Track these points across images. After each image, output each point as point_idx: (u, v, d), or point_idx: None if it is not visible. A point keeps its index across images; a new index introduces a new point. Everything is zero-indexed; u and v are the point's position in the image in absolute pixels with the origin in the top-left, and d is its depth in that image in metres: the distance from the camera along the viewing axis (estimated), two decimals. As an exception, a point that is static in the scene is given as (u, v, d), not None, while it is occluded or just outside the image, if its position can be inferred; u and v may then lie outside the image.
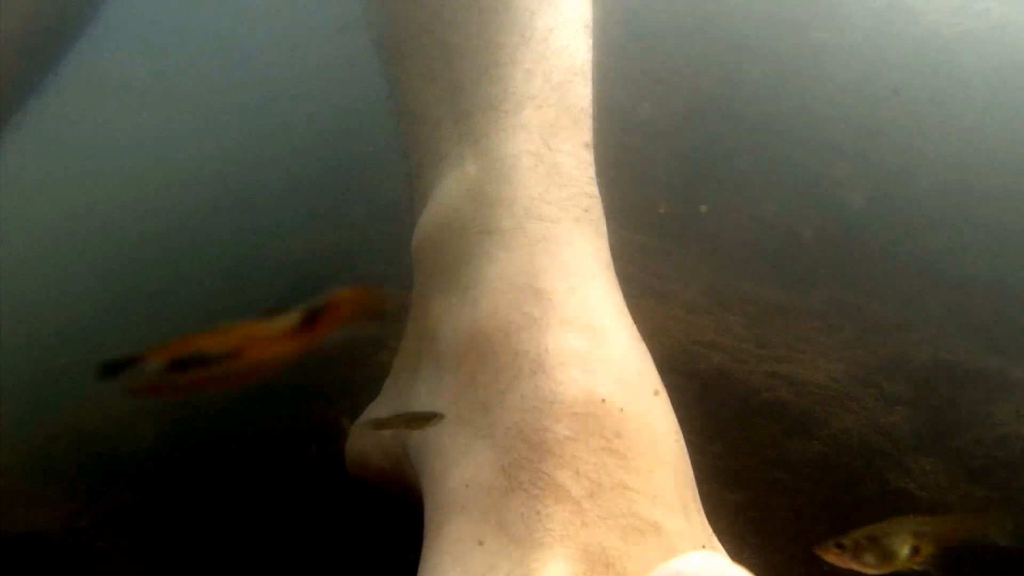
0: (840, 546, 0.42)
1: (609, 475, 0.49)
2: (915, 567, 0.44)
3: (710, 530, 0.55)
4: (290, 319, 0.36)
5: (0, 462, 1.13)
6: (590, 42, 0.74)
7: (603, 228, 0.66)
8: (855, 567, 0.42)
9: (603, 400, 0.53)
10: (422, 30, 0.76)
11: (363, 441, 0.78)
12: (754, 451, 0.86)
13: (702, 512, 0.55)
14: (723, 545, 0.54)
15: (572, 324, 0.57)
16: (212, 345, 0.35)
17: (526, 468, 0.50)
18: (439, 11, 0.75)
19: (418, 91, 0.76)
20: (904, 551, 0.42)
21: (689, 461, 0.57)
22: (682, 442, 0.58)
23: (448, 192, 0.69)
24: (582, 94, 0.70)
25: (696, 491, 0.56)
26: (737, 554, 0.50)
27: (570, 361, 0.55)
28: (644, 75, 1.70)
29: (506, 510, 0.49)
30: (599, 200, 0.68)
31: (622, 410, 0.53)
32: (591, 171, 0.68)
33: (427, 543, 0.53)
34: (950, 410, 0.93)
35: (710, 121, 1.68)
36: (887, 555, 0.43)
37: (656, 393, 0.58)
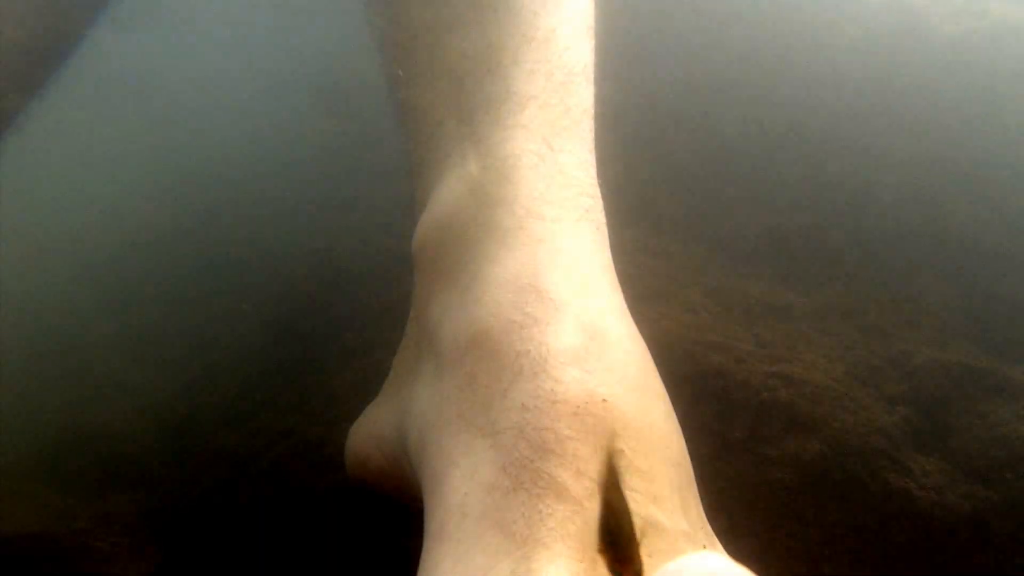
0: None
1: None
2: None
3: (711, 530, 0.55)
4: None
5: (0, 462, 1.13)
6: (592, 43, 0.74)
7: (604, 228, 0.67)
8: None
9: (604, 400, 0.53)
10: (423, 30, 0.76)
11: (362, 442, 0.78)
12: (754, 451, 0.86)
13: (702, 512, 0.55)
14: (723, 545, 0.54)
15: (573, 324, 0.57)
16: None
17: (527, 468, 0.50)
18: (441, 11, 0.75)
19: (419, 91, 0.77)
20: None
21: (690, 461, 0.57)
22: (683, 442, 0.58)
23: (449, 191, 0.69)
24: (584, 94, 0.70)
25: (697, 491, 0.56)
26: (737, 554, 0.50)
27: (571, 361, 0.55)
28: (646, 76, 1.70)
29: (507, 509, 0.49)
30: (600, 200, 0.68)
31: (623, 410, 0.53)
32: (593, 171, 0.68)
33: (427, 543, 0.53)
34: (950, 410, 0.93)
35: (710, 122, 1.68)
36: None
37: (657, 393, 0.58)
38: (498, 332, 0.57)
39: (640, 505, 0.49)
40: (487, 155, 0.68)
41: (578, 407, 0.52)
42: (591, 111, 0.71)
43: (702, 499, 0.56)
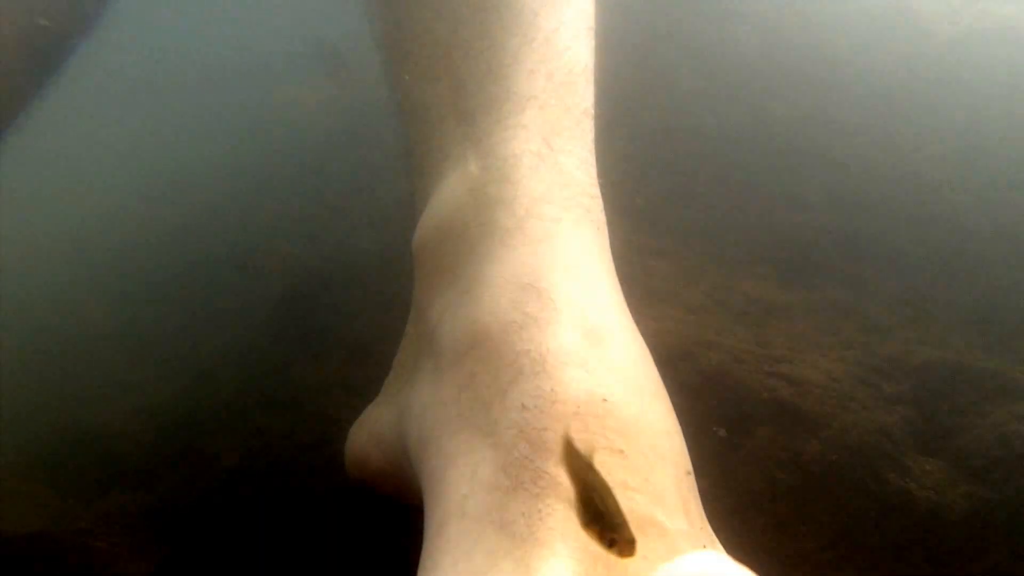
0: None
1: (610, 474, 0.49)
2: None
3: (710, 530, 0.55)
4: None
5: (0, 462, 1.13)
6: (593, 43, 0.74)
7: (604, 228, 0.67)
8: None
9: (604, 400, 0.53)
10: (425, 30, 0.76)
11: (362, 441, 0.78)
12: (754, 451, 0.86)
13: (702, 512, 0.55)
14: (723, 545, 0.54)
15: (573, 324, 0.57)
16: None
17: (527, 467, 0.50)
18: (442, 11, 0.75)
19: (420, 91, 0.77)
20: None
21: (690, 461, 0.57)
22: (683, 442, 0.58)
23: (450, 191, 0.69)
24: (584, 95, 0.71)
25: (696, 491, 0.56)
26: (737, 554, 0.50)
27: (571, 361, 0.55)
28: (645, 77, 1.70)
29: (507, 509, 0.49)
30: (600, 200, 0.68)
31: (623, 410, 0.53)
32: (593, 171, 0.68)
33: (427, 543, 0.53)
34: (950, 410, 0.93)
35: (711, 122, 1.68)
36: None
37: (656, 393, 0.58)
38: (498, 332, 0.58)
39: (640, 505, 0.49)
40: (487, 155, 0.68)
41: (578, 407, 0.52)
42: (591, 111, 0.71)
43: (702, 499, 0.56)
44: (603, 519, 0.43)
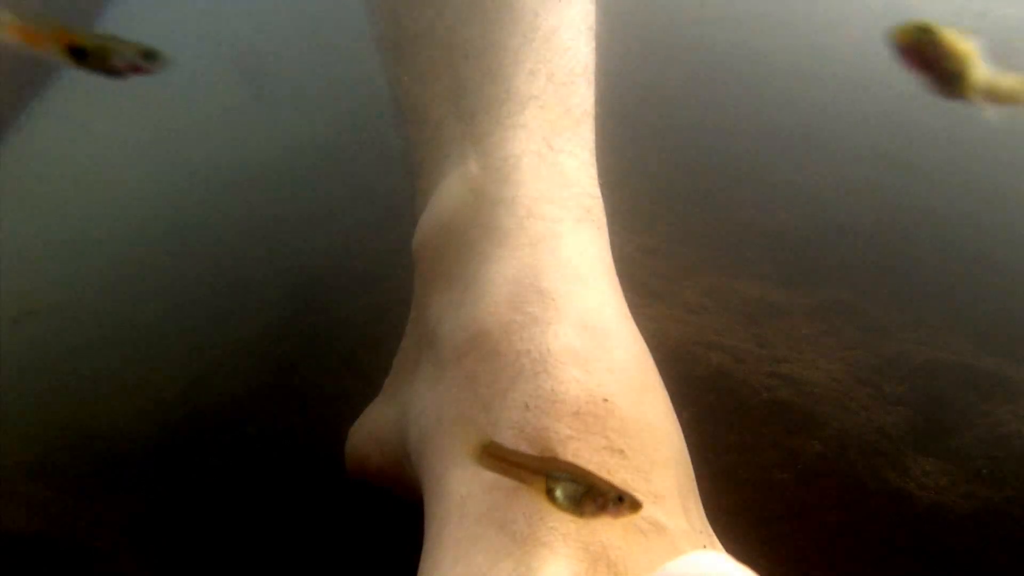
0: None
1: (611, 474, 0.49)
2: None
3: (711, 530, 0.55)
4: None
5: (0, 462, 1.13)
6: (593, 44, 0.74)
7: (604, 228, 0.67)
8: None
9: (605, 400, 0.53)
10: (425, 31, 0.76)
11: (363, 441, 0.78)
12: (754, 451, 0.86)
13: (703, 512, 0.56)
14: (723, 545, 0.54)
15: (574, 324, 0.57)
16: None
17: (528, 467, 0.50)
18: (442, 12, 0.75)
19: (420, 91, 0.77)
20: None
21: (690, 461, 0.57)
22: (683, 442, 0.58)
23: (450, 191, 0.69)
24: (584, 95, 0.71)
25: (697, 491, 0.56)
26: (737, 554, 0.50)
27: (572, 361, 0.55)
28: (646, 78, 1.70)
29: (508, 509, 0.49)
30: (601, 200, 0.68)
31: (623, 410, 0.53)
32: (593, 171, 0.69)
33: (428, 543, 0.53)
34: (950, 410, 0.93)
35: (711, 123, 1.68)
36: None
37: (657, 393, 0.58)
38: (498, 332, 0.58)
39: (640, 505, 0.49)
40: (488, 155, 0.68)
41: (579, 407, 0.52)
42: (592, 112, 0.71)
43: (702, 499, 0.57)
44: (592, 498, 0.43)
